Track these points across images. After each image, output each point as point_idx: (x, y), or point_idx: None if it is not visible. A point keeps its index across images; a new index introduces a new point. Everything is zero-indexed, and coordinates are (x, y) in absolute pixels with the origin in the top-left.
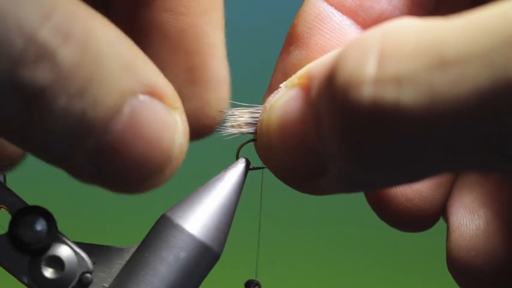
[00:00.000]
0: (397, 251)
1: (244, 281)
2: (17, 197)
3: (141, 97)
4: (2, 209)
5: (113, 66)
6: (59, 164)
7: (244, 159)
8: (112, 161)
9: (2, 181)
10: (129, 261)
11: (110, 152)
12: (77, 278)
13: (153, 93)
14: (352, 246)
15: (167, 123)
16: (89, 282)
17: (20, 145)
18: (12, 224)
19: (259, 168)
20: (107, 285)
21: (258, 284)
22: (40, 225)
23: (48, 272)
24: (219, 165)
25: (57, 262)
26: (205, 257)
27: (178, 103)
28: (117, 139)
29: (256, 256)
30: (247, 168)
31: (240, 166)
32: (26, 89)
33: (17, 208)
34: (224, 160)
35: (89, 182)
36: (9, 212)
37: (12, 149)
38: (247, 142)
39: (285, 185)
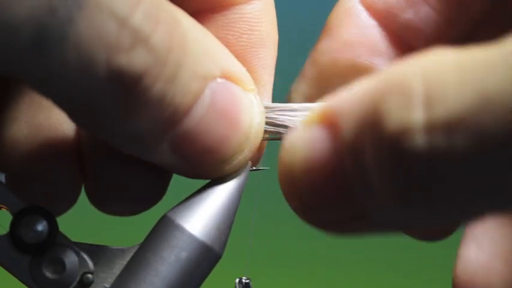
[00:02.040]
0: (395, 252)
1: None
2: (17, 197)
3: (219, 80)
4: (2, 209)
5: (196, 51)
6: (142, 154)
7: None
8: (195, 145)
9: (2, 181)
10: (130, 262)
11: (193, 136)
12: (77, 279)
13: (229, 77)
14: (348, 245)
15: (244, 104)
16: (90, 283)
17: (109, 138)
18: (13, 224)
19: (260, 169)
20: (108, 286)
21: (249, 280)
22: (41, 226)
23: (49, 272)
24: None
25: (58, 262)
26: (207, 257)
27: (252, 85)
28: (200, 122)
29: (248, 253)
30: (248, 169)
31: None
32: (124, 75)
33: (18, 208)
34: None
35: (172, 170)
36: (10, 212)
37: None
38: None
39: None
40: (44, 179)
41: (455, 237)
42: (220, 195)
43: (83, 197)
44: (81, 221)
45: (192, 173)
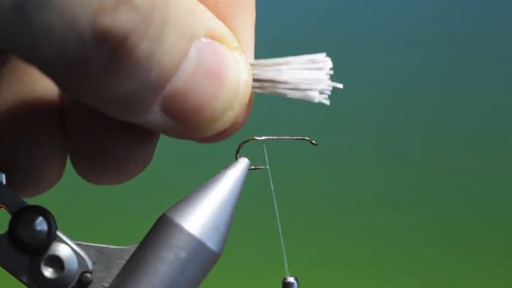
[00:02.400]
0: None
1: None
2: (17, 196)
3: (204, 40)
4: (1, 208)
5: (180, 11)
6: (133, 118)
7: (244, 159)
8: (185, 104)
9: (2, 181)
10: (129, 261)
11: (183, 95)
12: (76, 278)
13: (213, 36)
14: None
15: (230, 62)
16: (89, 282)
17: (99, 104)
18: (12, 224)
19: (260, 168)
20: (106, 285)
21: (296, 280)
22: (40, 225)
23: (48, 272)
24: (219, 164)
25: (57, 262)
26: (206, 256)
27: (236, 43)
28: (188, 81)
29: (284, 253)
30: (247, 168)
31: (240, 166)
32: (110, 36)
33: (17, 208)
34: (224, 160)
35: (164, 132)
36: (9, 212)
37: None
38: (247, 141)
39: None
40: (26, 144)
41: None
42: (219, 194)
43: (83, 196)
44: (81, 221)
45: (184, 133)
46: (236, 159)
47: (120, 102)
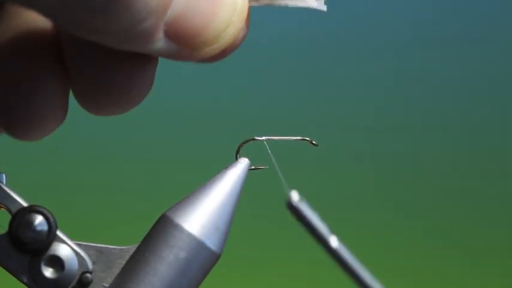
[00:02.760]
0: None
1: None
2: (17, 196)
3: None
4: (1, 208)
5: None
6: (139, 48)
7: (244, 159)
8: (188, 26)
9: (2, 181)
10: (129, 261)
11: (184, 18)
12: (76, 278)
13: None
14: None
15: None
16: (89, 282)
17: (105, 39)
18: (12, 224)
19: (260, 168)
20: (107, 285)
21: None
22: (40, 225)
23: (48, 272)
24: (219, 165)
25: (57, 262)
26: (206, 256)
27: None
28: (188, 3)
29: None
30: (248, 168)
31: (240, 166)
32: None
33: (17, 208)
34: (224, 160)
35: (170, 57)
36: (9, 212)
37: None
38: (247, 141)
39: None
40: (28, 83)
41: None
42: (219, 195)
43: (83, 196)
44: (81, 221)
45: (189, 55)
46: (236, 159)
47: (125, 34)
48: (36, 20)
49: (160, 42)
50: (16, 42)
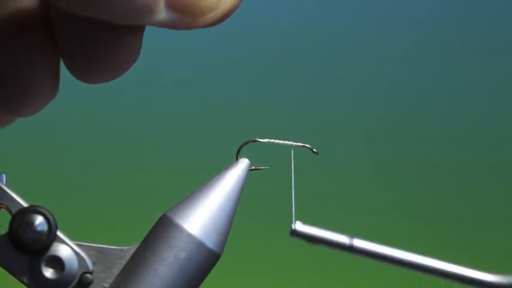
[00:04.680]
0: None
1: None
2: (17, 196)
3: None
4: (1, 208)
5: None
6: (142, 21)
7: (245, 160)
8: None
9: (2, 181)
10: (129, 262)
11: None
12: (77, 278)
13: None
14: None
15: None
16: (89, 283)
17: (105, 16)
18: (12, 224)
19: (260, 169)
20: (107, 286)
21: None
22: (40, 225)
23: (48, 272)
24: (219, 165)
25: (57, 262)
26: (206, 257)
27: None
28: None
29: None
30: (248, 168)
31: (240, 166)
32: None
33: (17, 208)
34: (225, 160)
35: (173, 27)
36: (9, 212)
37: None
38: (248, 142)
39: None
40: (17, 56)
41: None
42: (219, 195)
43: (83, 196)
44: (81, 221)
45: (192, 23)
46: (237, 159)
47: (126, 9)
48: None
49: (161, 13)
50: (6, 20)
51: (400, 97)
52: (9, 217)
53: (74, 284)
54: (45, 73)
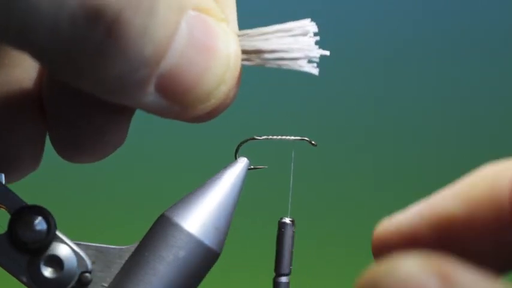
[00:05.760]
0: None
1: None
2: (17, 196)
3: (192, 13)
4: (1, 208)
5: None
6: (128, 100)
7: (243, 159)
8: (180, 81)
9: (2, 181)
10: (128, 261)
11: (177, 72)
12: (76, 278)
13: (200, 9)
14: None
15: (219, 33)
16: (88, 282)
17: (94, 87)
18: (12, 224)
19: (259, 168)
20: (106, 285)
21: (292, 221)
22: (39, 225)
23: (48, 272)
24: (218, 164)
25: (56, 262)
26: (205, 256)
27: (222, 15)
28: (182, 56)
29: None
30: (247, 167)
31: (239, 165)
32: (103, 14)
33: (17, 207)
34: (223, 159)
35: (159, 114)
36: (9, 212)
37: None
38: (246, 141)
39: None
40: (5, 133)
41: None
42: (218, 194)
43: (83, 196)
44: (81, 221)
45: (179, 113)
46: (235, 158)
47: (116, 84)
48: (19, 68)
49: (150, 96)
50: (3, 95)
51: (400, 97)
52: (8, 217)
53: (73, 283)
54: (31, 147)
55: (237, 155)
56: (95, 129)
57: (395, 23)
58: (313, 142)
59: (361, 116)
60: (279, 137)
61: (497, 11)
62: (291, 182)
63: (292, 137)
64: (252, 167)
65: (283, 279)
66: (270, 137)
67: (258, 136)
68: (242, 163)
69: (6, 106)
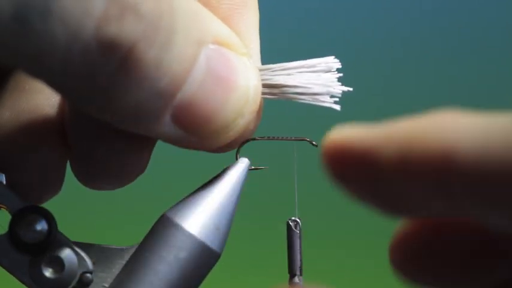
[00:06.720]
0: None
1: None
2: (18, 196)
3: (212, 46)
4: (2, 208)
5: (186, 18)
6: (144, 130)
7: (244, 159)
8: (196, 113)
9: (2, 181)
10: (129, 261)
11: (194, 104)
12: (77, 278)
13: (221, 42)
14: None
15: (239, 68)
16: (89, 282)
17: (109, 117)
18: (13, 224)
19: (259, 168)
20: (107, 285)
21: (298, 222)
22: (40, 225)
23: (48, 272)
24: (219, 165)
25: (57, 262)
26: (205, 256)
27: (244, 49)
28: (199, 89)
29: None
30: (248, 168)
31: (240, 166)
32: (117, 45)
33: (17, 208)
34: (224, 160)
35: (176, 143)
36: (9, 212)
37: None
38: (247, 141)
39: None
40: (27, 160)
41: None
42: (219, 194)
43: (83, 196)
44: (81, 221)
45: (196, 144)
46: (236, 159)
47: (130, 114)
48: (43, 96)
49: (166, 126)
50: (22, 118)
51: (400, 97)
52: (9, 217)
53: (74, 283)
54: (52, 173)
55: (238, 156)
56: (116, 157)
57: (395, 23)
58: (314, 142)
59: (361, 116)
60: (280, 137)
61: (497, 11)
62: (295, 181)
63: (293, 138)
64: (253, 167)
65: (297, 279)
66: (271, 137)
67: (258, 136)
68: (243, 163)
69: (28, 132)
